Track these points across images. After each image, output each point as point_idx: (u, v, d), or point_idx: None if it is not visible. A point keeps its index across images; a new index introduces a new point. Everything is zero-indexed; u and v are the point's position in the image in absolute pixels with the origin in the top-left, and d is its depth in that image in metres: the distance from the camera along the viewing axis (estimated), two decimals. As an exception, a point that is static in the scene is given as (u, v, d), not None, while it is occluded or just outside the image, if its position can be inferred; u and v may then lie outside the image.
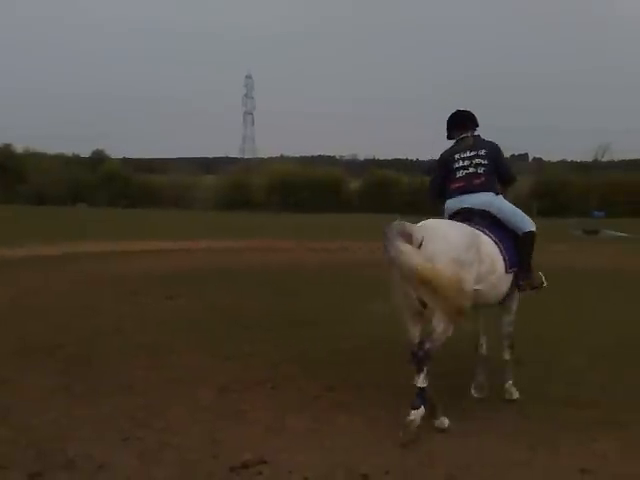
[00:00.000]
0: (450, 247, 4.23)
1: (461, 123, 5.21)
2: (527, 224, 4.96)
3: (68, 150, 61.17)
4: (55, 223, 23.49)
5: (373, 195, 43.69)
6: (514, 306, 5.02)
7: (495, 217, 4.89)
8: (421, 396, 4.17)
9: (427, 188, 5.50)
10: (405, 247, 4.05)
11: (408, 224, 4.27)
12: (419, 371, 4.16)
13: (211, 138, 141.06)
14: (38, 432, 4.14)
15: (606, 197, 39.30)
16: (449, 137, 5.30)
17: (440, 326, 4.15)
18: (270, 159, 65.73)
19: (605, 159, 45.72)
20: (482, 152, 5.02)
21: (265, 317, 7.88)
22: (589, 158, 45.78)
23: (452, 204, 5.00)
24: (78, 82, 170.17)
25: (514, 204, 5.09)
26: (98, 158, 55.19)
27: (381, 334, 6.85)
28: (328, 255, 15.47)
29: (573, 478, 3.64)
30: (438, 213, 5.16)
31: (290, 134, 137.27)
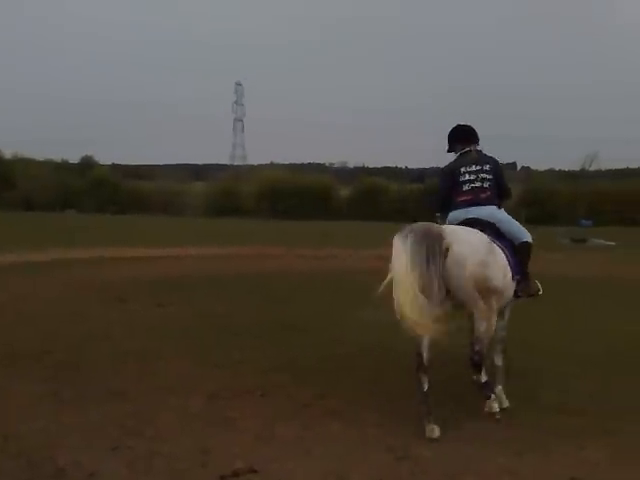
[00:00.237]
0: (475, 249, 4.45)
1: (464, 137, 5.32)
2: (524, 235, 5.12)
3: (56, 155, 60.77)
4: (44, 229, 23.29)
5: (362, 202, 43.59)
6: (508, 312, 5.16)
7: (497, 228, 5.02)
8: (488, 387, 4.66)
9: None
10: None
11: (435, 225, 4.51)
12: (479, 370, 4.56)
13: (201, 145, 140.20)
14: (27, 440, 4.10)
15: (593, 206, 39.47)
16: (450, 150, 5.40)
17: (483, 325, 4.51)
18: (260, 166, 65.62)
19: (593, 168, 45.98)
20: (487, 167, 5.15)
21: (255, 324, 7.86)
22: (577, 167, 46.03)
23: (457, 215, 5.10)
24: (67, 87, 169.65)
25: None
26: (87, 164, 54.88)
27: (371, 341, 6.86)
28: (318, 262, 15.44)
29: (563, 485, 3.65)
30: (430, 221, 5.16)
31: (280, 141, 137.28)
